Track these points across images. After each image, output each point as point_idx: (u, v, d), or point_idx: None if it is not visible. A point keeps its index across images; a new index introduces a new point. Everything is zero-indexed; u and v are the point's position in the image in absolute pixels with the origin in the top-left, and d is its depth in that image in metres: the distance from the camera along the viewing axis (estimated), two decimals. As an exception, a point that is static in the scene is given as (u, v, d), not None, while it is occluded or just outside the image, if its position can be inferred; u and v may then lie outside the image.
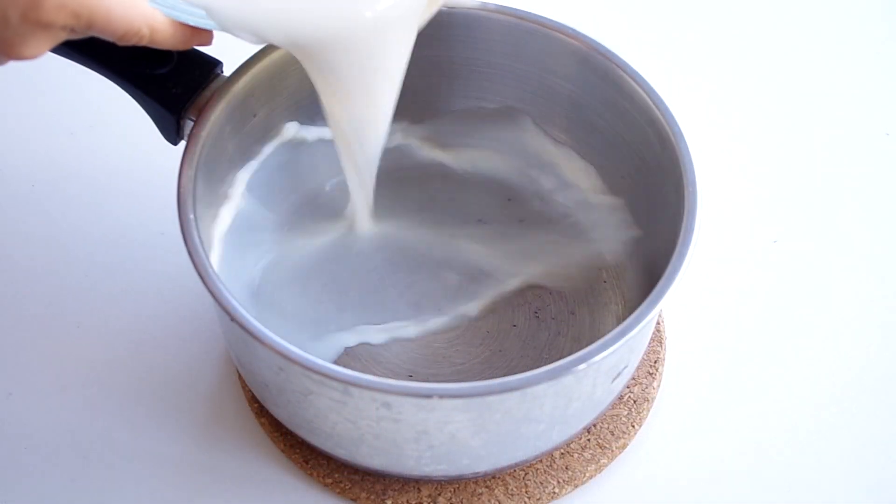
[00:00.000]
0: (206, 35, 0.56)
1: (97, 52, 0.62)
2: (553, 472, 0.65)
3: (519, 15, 0.68)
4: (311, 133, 0.70)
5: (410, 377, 0.66)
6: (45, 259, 0.74)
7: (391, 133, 0.65)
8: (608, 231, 0.69)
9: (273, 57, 0.66)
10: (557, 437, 0.61)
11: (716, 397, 0.69)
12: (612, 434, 0.67)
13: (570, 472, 0.65)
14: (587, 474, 0.65)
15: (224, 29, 0.57)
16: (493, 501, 0.64)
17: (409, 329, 0.67)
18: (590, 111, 0.69)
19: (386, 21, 0.59)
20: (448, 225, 0.71)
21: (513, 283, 0.69)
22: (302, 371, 0.56)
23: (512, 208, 0.72)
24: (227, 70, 0.64)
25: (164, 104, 0.63)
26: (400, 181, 0.72)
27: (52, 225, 0.76)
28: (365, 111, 0.62)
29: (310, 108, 0.70)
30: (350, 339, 0.67)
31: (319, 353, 0.59)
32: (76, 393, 0.69)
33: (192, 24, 0.55)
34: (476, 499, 0.64)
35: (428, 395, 0.55)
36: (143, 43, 0.53)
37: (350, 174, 0.66)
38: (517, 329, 0.68)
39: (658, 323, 0.71)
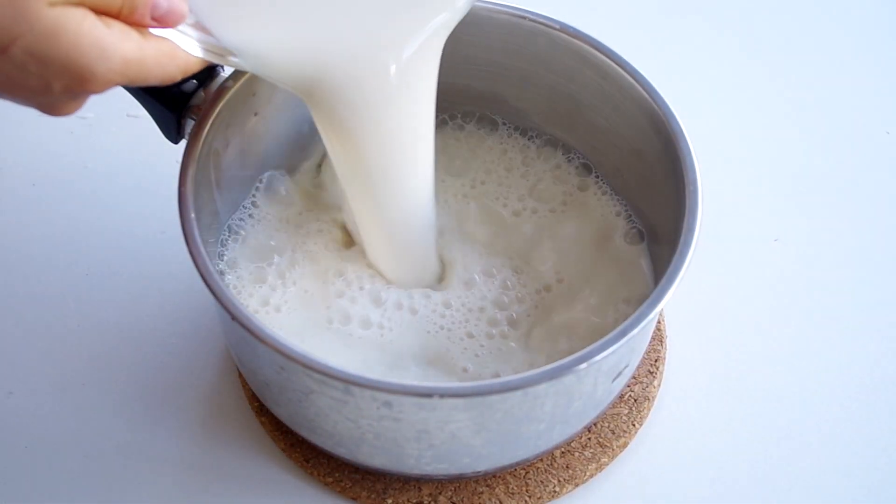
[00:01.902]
0: None
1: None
2: (554, 471, 0.65)
3: (520, 14, 0.68)
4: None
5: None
6: (46, 258, 0.74)
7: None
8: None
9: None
10: (558, 436, 0.61)
11: (716, 396, 0.69)
12: (613, 433, 0.67)
13: (570, 471, 0.65)
14: (588, 473, 0.65)
15: (255, 71, 0.58)
16: (493, 500, 0.64)
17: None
18: (591, 110, 0.69)
19: (411, 68, 0.59)
20: None
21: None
22: (303, 370, 0.56)
23: None
24: (229, 69, 0.64)
25: (166, 103, 0.63)
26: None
27: (52, 224, 0.76)
28: (407, 161, 0.62)
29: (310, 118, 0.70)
30: None
31: None
32: (76, 392, 0.69)
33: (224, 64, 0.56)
34: (477, 498, 0.64)
35: (429, 395, 0.54)
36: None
37: (403, 242, 0.65)
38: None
39: (659, 322, 0.71)
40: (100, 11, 0.48)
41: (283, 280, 0.66)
